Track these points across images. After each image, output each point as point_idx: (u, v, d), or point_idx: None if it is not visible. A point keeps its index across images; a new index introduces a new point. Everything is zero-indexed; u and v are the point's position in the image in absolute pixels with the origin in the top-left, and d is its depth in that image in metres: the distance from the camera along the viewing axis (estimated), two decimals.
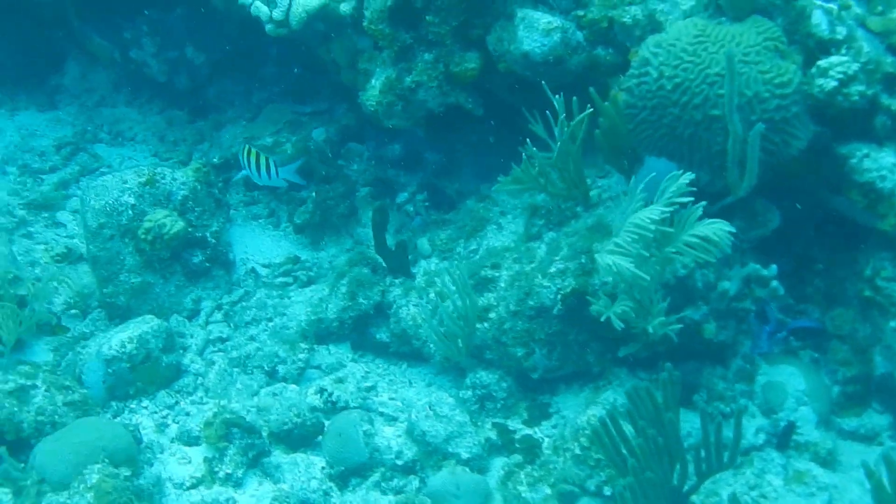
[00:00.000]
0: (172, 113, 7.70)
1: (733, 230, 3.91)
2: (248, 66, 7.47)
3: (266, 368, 5.22)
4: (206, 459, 4.59)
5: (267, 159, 5.21)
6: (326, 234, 6.31)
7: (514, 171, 4.74)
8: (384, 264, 5.54)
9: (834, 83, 4.05)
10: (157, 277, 5.63)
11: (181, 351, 5.34)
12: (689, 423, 4.22)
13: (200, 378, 5.22)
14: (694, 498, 3.94)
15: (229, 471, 4.52)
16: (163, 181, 5.70)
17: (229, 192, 6.73)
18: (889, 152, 4.14)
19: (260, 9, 5.58)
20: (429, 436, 4.57)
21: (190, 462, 4.62)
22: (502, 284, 4.85)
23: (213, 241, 5.81)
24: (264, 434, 4.68)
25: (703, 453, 3.81)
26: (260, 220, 6.60)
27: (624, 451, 3.79)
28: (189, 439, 4.76)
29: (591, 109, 4.37)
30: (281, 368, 5.21)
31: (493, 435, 4.71)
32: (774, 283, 4.48)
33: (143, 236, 5.51)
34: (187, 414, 4.98)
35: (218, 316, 5.73)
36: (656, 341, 4.34)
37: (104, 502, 3.87)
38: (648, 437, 3.70)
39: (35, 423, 4.37)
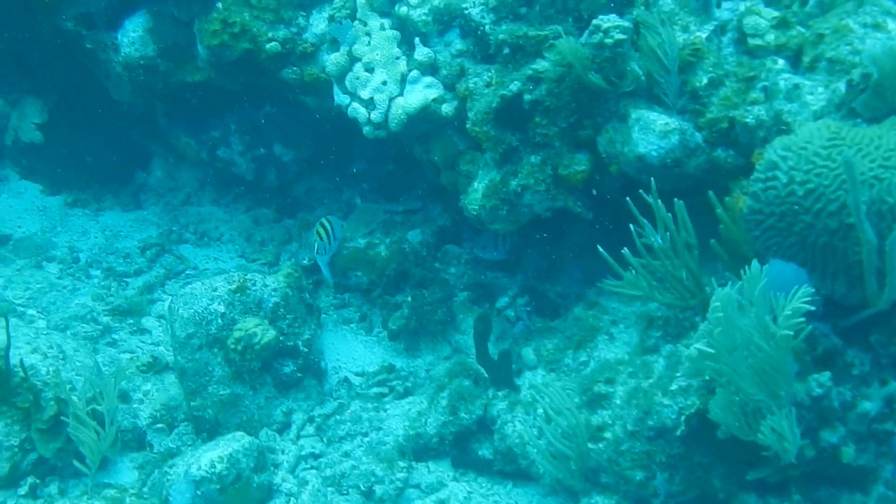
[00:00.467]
0: (259, 212, 7.77)
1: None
2: (338, 163, 7.53)
3: (362, 488, 5.12)
4: None
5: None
6: (422, 340, 6.25)
7: (626, 277, 4.63)
8: (486, 375, 5.44)
9: None
10: (246, 389, 5.60)
11: (272, 468, 5.28)
12: None
13: (293, 499, 5.13)
14: None
15: None
16: (253, 288, 5.71)
17: (319, 294, 6.74)
18: None
19: (358, 111, 5.63)
20: None
21: None
22: (618, 401, 4.71)
23: (305, 349, 5.78)
24: None
25: None
26: (351, 325, 6.58)
27: None
28: None
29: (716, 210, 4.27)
30: (378, 488, 5.12)
31: None
32: None
33: (232, 346, 5.50)
34: None
35: (310, 429, 5.67)
36: (788, 465, 4.15)
37: None
38: None
39: None
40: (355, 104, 5.66)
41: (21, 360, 4.97)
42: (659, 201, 4.29)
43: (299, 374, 5.76)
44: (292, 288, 5.90)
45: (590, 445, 4.65)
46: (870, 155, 3.90)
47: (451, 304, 6.23)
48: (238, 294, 5.65)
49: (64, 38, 6.63)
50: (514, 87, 4.94)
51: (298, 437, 5.63)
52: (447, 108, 5.42)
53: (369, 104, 5.61)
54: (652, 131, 4.65)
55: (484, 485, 5.27)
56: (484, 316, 5.42)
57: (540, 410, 4.98)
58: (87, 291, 6.76)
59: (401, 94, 5.54)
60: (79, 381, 5.21)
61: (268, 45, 5.93)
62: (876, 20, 4.49)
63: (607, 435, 4.69)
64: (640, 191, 4.38)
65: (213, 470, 4.91)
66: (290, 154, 7.46)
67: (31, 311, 6.49)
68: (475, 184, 5.33)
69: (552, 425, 4.67)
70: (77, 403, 4.84)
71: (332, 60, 5.76)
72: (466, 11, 5.31)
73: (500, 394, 5.36)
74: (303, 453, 5.49)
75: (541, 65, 4.94)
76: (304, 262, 6.84)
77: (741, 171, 4.63)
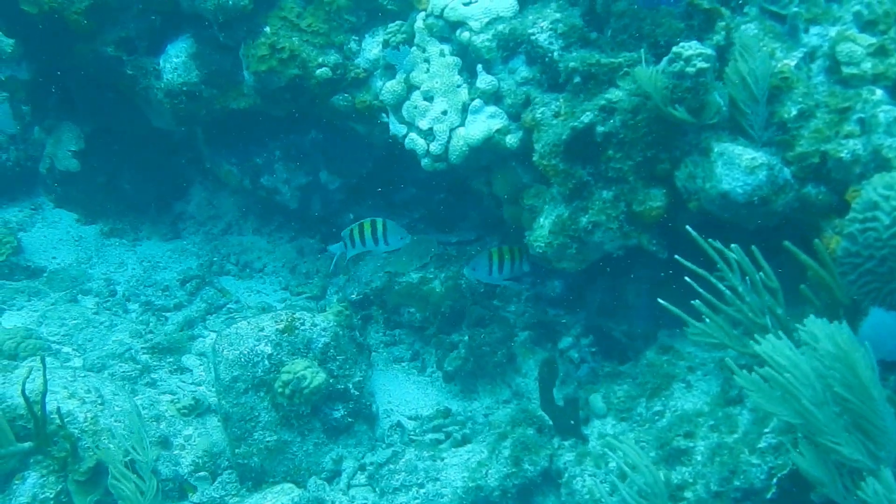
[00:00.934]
0: (304, 241, 7.63)
1: None
2: (387, 191, 7.36)
3: None
4: None
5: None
6: (479, 381, 6.05)
7: (704, 325, 4.42)
8: (551, 423, 5.24)
9: None
10: (294, 435, 5.43)
11: None
12: None
13: None
14: None
15: None
16: (302, 328, 5.55)
17: (368, 330, 6.57)
18: None
19: (415, 142, 5.45)
20: None
21: None
22: (699, 458, 4.48)
23: (356, 392, 5.61)
24: None
25: None
26: (403, 364, 6.40)
27: None
28: None
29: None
30: None
31: None
32: None
33: (280, 390, 5.33)
34: None
35: (361, 478, 5.49)
36: None
37: None
38: None
39: None
40: (413, 135, 5.49)
41: (58, 408, 4.81)
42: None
43: (350, 419, 5.59)
44: (342, 327, 5.73)
45: None
46: None
47: (510, 345, 6.01)
48: (286, 334, 5.49)
49: (103, 63, 6.51)
50: (586, 118, 4.73)
51: (349, 486, 5.45)
52: (512, 140, 5.22)
53: (428, 135, 5.43)
54: (737, 166, 4.41)
55: None
56: (550, 360, 5.22)
57: (612, 464, 4.78)
58: (124, 327, 6.62)
59: (462, 125, 5.35)
60: (118, 428, 5.07)
61: (318, 71, 5.78)
62: None
63: (688, 495, 4.46)
64: (710, 240, 4.25)
65: None
66: (337, 182, 7.29)
67: (66, 349, 6.36)
68: (541, 219, 5.12)
69: (627, 482, 4.45)
70: (116, 454, 4.68)
71: (387, 88, 5.59)
72: (533, 37, 5.11)
73: (566, 444, 5.16)
74: None
75: (614, 94, 4.73)
76: (353, 296, 6.67)
77: (833, 209, 4.40)
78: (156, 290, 7.15)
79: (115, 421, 5.15)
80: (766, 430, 4.30)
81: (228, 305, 7.03)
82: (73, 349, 6.38)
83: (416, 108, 5.48)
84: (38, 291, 6.96)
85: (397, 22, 5.67)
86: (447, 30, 5.45)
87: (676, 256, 4.28)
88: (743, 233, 4.53)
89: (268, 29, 5.83)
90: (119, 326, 6.63)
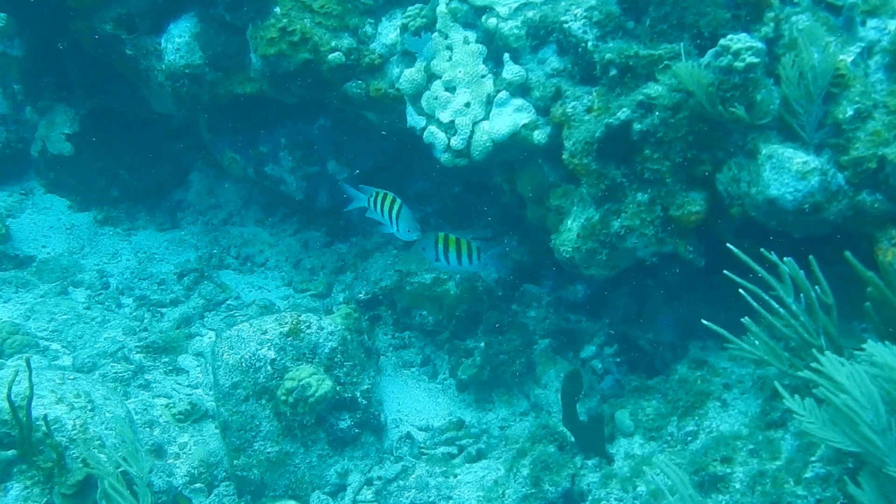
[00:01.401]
0: (309, 234, 7.42)
1: None
2: (399, 183, 7.14)
3: None
4: None
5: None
6: (495, 390, 5.84)
7: (745, 338, 4.18)
8: (573, 440, 5.01)
9: None
10: (297, 446, 5.23)
11: None
12: None
13: None
14: None
15: None
16: (308, 331, 5.34)
17: (376, 332, 6.35)
18: None
19: (435, 135, 5.20)
20: None
21: None
22: (737, 486, 4.25)
23: (364, 401, 5.40)
24: None
25: None
26: (413, 369, 6.21)
27: None
28: None
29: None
30: None
31: None
32: None
33: (283, 398, 5.12)
34: None
35: (368, 494, 5.27)
36: None
37: None
38: None
39: None
40: (433, 128, 5.24)
41: (45, 415, 4.58)
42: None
43: (357, 430, 5.39)
44: (351, 331, 5.52)
45: None
46: None
47: (530, 353, 5.79)
48: (290, 338, 5.28)
49: (101, 42, 6.31)
50: (623, 114, 4.48)
51: (354, 502, 5.23)
52: (539, 136, 4.97)
53: (449, 128, 5.18)
54: (787, 171, 4.17)
55: None
56: (575, 374, 4.97)
57: (641, 488, 4.55)
58: (117, 323, 6.42)
59: (486, 118, 5.10)
60: (109, 436, 4.85)
61: (330, 56, 5.56)
62: None
63: None
64: (762, 250, 4.02)
65: None
66: (345, 172, 7.07)
67: (55, 346, 6.17)
68: (568, 222, 4.89)
69: None
70: (107, 466, 4.45)
71: (406, 77, 5.34)
72: (566, 25, 4.86)
73: (589, 463, 4.93)
74: None
75: (653, 89, 4.48)
76: (361, 295, 6.45)
77: (890, 218, 4.16)
78: (151, 283, 6.95)
79: (106, 428, 4.92)
80: (813, 458, 4.06)
81: (228, 302, 6.83)
82: (63, 346, 6.17)
83: (436, 98, 5.23)
84: (26, 282, 6.76)
85: (417, 5, 5.42)
86: (472, 15, 5.20)
87: (726, 272, 4.04)
88: (788, 241, 4.31)
89: (278, 9, 5.60)
90: (112, 322, 6.43)
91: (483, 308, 5.98)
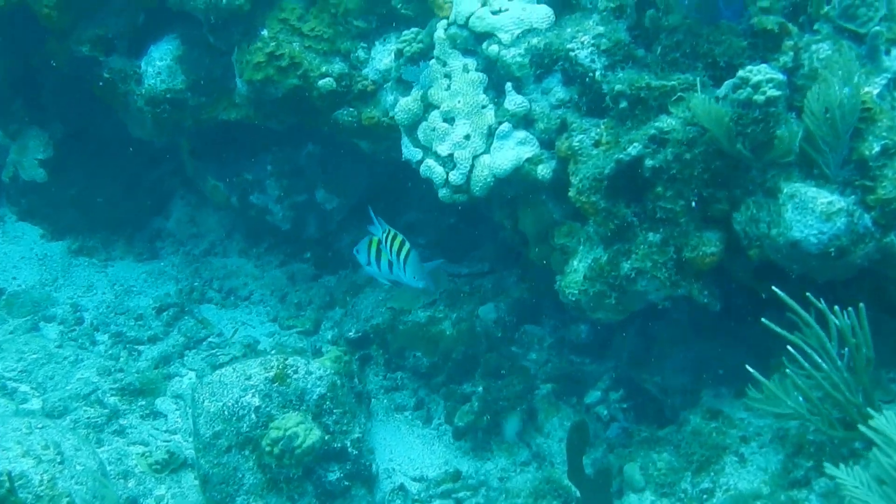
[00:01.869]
0: (295, 266, 7.26)
1: None
2: (390, 213, 6.98)
3: None
4: None
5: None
6: (494, 438, 5.66)
7: (765, 386, 4.02)
8: (578, 495, 4.85)
9: None
10: (282, 500, 5.05)
11: None
12: None
13: None
14: None
15: None
16: (295, 376, 5.18)
17: (367, 373, 6.18)
18: None
19: (433, 170, 5.03)
20: None
21: None
22: None
23: (355, 451, 5.23)
24: None
25: None
26: (406, 413, 6.04)
27: None
28: None
29: None
30: None
31: None
32: None
33: (268, 448, 4.95)
34: None
35: None
36: None
37: None
38: None
39: None
40: (430, 161, 5.07)
41: (9, 473, 4.37)
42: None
43: (346, 483, 5.20)
44: (341, 375, 5.36)
45: None
46: None
47: (531, 399, 5.63)
48: (276, 384, 5.12)
49: (77, 64, 6.17)
50: (634, 149, 4.30)
51: None
52: (544, 171, 4.81)
53: (447, 162, 5.01)
54: (811, 212, 4.01)
55: None
56: (581, 425, 4.81)
57: None
58: (91, 363, 6.26)
59: (487, 152, 4.93)
60: (79, 491, 4.66)
61: (320, 82, 5.41)
62: None
63: None
64: (808, 294, 3.84)
65: None
66: (335, 201, 6.95)
67: (23, 388, 6.01)
68: (574, 262, 4.72)
69: None
70: None
71: (402, 106, 5.18)
72: (572, 53, 4.69)
73: None
74: None
75: (666, 122, 4.31)
76: (351, 334, 6.30)
77: None
78: (128, 318, 6.78)
79: (77, 483, 4.74)
80: None
81: (210, 339, 6.66)
82: (32, 388, 6.00)
83: (434, 130, 5.06)
84: None
85: (413, 29, 5.26)
86: (472, 41, 5.03)
87: (763, 320, 3.86)
88: (810, 287, 4.15)
89: (265, 32, 5.45)
90: (85, 362, 6.26)
91: (481, 350, 5.84)
